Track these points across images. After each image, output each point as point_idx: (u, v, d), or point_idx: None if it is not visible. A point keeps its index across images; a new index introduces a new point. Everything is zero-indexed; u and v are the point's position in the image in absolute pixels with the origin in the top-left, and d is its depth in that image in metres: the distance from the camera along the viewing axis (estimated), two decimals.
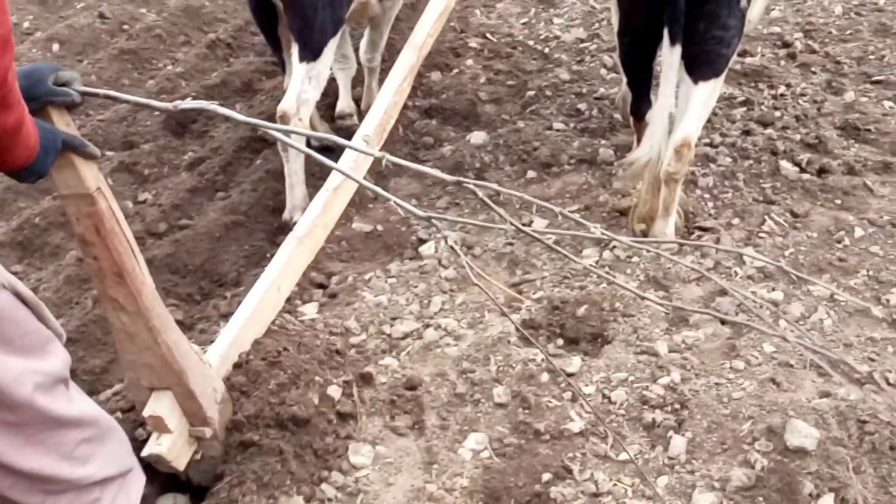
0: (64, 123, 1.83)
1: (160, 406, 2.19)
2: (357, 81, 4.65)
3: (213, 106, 2.00)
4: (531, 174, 4.02)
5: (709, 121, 4.30)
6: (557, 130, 4.30)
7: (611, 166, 3.98)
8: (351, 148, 2.29)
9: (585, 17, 5.66)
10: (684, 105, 3.20)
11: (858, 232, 3.42)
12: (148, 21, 5.82)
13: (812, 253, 3.31)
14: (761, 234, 3.44)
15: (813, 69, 4.82)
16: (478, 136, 4.30)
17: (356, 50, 4.58)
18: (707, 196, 3.74)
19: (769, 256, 3.30)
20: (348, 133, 4.06)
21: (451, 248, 2.09)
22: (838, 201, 3.65)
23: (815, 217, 3.55)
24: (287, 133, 2.22)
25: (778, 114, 4.35)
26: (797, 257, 3.29)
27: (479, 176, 4.06)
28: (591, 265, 3.25)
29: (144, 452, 2.23)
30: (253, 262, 3.51)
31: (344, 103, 4.44)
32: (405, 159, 4.23)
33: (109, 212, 1.93)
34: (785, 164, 3.91)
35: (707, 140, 4.15)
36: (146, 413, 2.20)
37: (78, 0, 6.37)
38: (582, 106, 4.55)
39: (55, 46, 5.46)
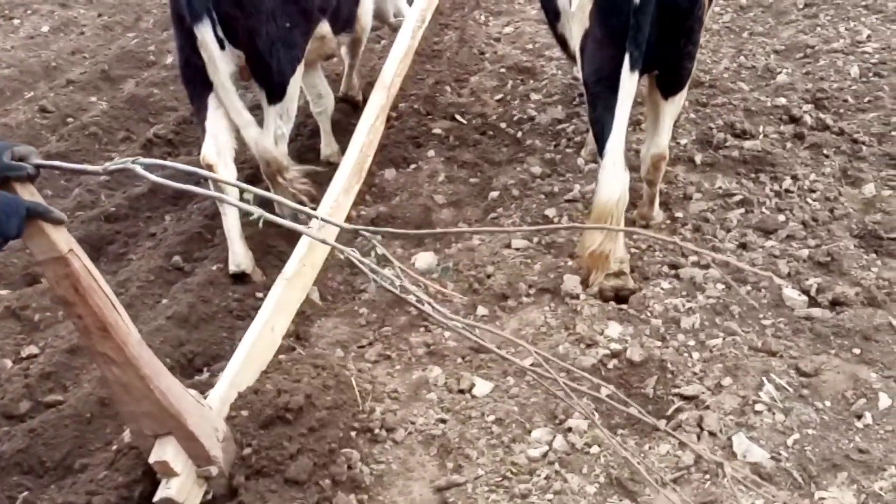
0: (28, 194, 1.91)
1: (164, 451, 2.17)
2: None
3: (138, 167, 2.06)
4: (482, 310, 3.22)
5: (699, 230, 3.50)
6: (517, 249, 3.49)
7: (576, 300, 3.16)
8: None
9: (565, 90, 4.86)
10: (655, 119, 3.25)
11: (884, 401, 2.56)
12: (91, 114, 5.15)
13: (823, 439, 2.46)
14: (758, 407, 2.59)
15: (825, 151, 3.95)
16: (424, 259, 3.52)
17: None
18: (692, 343, 2.90)
19: (767, 446, 2.45)
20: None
21: (385, 255, 2.06)
22: (857, 350, 2.78)
23: (827, 375, 2.69)
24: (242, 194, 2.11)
25: (782, 217, 3.50)
26: (803, 447, 2.44)
27: (420, 312, 3.28)
28: (537, 457, 2.46)
29: (156, 498, 2.20)
30: (131, 455, 2.69)
31: (328, 149, 4.47)
32: (339, 287, 3.55)
33: (84, 270, 1.98)
34: (790, 293, 3.06)
35: (695, 258, 3.32)
36: (152, 460, 2.18)
37: (28, 88, 5.75)
38: (550, 212, 3.73)
39: None
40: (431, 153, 4.38)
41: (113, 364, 2.07)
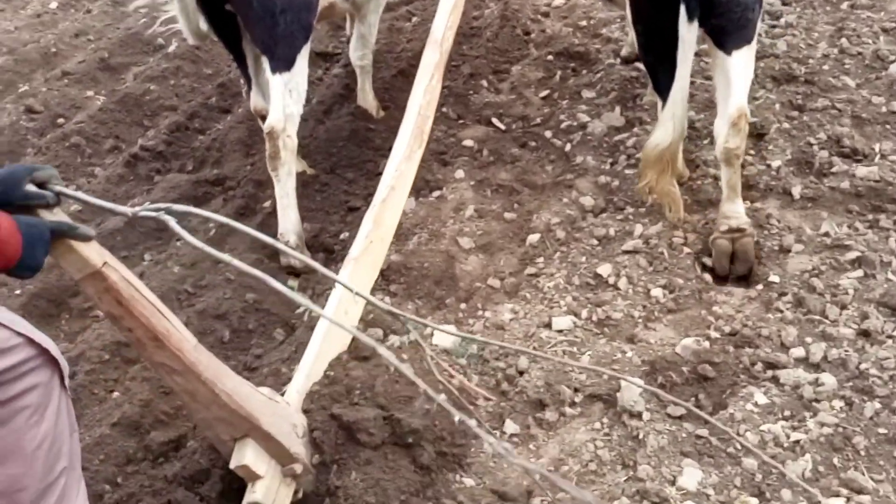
0: (50, 214, 1.73)
1: (244, 455, 1.99)
2: None
3: (170, 220, 1.76)
4: (511, 426, 2.34)
5: (802, 304, 2.53)
6: (560, 332, 2.58)
7: (639, 421, 2.25)
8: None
9: (624, 85, 3.83)
10: (725, 79, 2.82)
11: None
12: (78, 118, 4.32)
13: None
14: None
15: None
16: (446, 338, 2.63)
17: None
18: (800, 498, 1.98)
19: None
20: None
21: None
22: None
23: None
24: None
25: None
26: None
27: (432, 426, 2.40)
28: None
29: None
30: None
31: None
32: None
33: (124, 282, 1.83)
34: None
35: (801, 352, 2.36)
36: (233, 465, 2.01)
37: (22, 80, 4.95)
38: (604, 269, 2.79)
39: None
40: (460, 173, 3.45)
41: (174, 373, 1.94)
